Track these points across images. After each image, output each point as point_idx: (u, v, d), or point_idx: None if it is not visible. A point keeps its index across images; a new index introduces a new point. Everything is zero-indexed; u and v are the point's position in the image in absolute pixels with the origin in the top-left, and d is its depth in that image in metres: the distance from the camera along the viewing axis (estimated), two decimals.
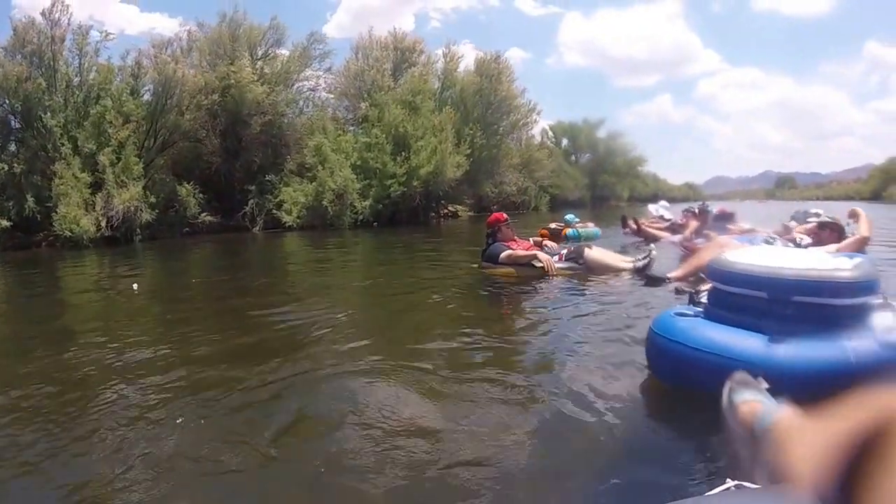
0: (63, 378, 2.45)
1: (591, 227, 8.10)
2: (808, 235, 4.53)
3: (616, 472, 1.50)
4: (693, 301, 2.20)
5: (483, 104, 21.31)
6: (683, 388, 1.95)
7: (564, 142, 43.89)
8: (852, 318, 1.80)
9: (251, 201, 17.42)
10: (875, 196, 43.38)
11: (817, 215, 5.17)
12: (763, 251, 2.34)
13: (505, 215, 5.13)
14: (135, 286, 5.38)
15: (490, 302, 4.03)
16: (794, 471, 0.54)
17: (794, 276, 1.83)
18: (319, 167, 16.94)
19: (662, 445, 1.69)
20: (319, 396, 2.08)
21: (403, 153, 17.88)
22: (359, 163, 17.95)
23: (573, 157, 43.53)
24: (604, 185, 42.23)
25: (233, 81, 16.31)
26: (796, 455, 0.55)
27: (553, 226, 7.92)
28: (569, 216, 8.00)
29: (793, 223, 5.27)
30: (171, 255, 10.74)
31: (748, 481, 0.92)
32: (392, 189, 17.60)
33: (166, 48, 15.50)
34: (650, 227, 8.30)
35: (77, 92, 14.77)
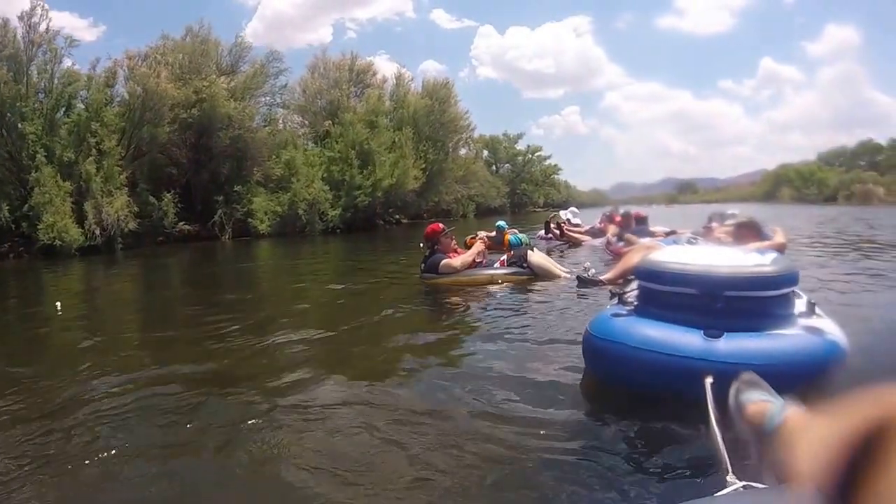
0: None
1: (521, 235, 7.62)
2: (728, 235, 4.68)
3: (575, 473, 1.51)
4: (622, 301, 2.24)
5: (434, 124, 23.54)
6: (623, 386, 1.99)
7: (485, 153, 47.33)
8: (777, 308, 1.92)
9: (219, 211, 18.07)
10: (768, 198, 48.18)
11: (734, 216, 5.42)
12: (689, 251, 2.45)
13: (441, 225, 5.09)
14: (58, 304, 4.89)
15: (431, 312, 4.03)
16: (800, 470, 0.52)
17: (724, 272, 1.92)
18: (294, 179, 18.08)
19: (613, 444, 1.69)
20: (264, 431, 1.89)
21: (369, 167, 19.55)
22: (325, 175, 19.33)
23: (494, 168, 47.05)
24: (522, 192, 46.18)
25: (205, 96, 16.99)
26: (802, 454, 0.53)
27: (493, 234, 7.53)
28: (501, 223, 7.84)
29: (714, 224, 5.48)
30: (158, 264, 11.10)
31: (756, 481, 0.91)
32: (359, 199, 19.21)
33: (142, 60, 15.83)
34: (571, 231, 8.53)
35: (45, 99, 14.71)
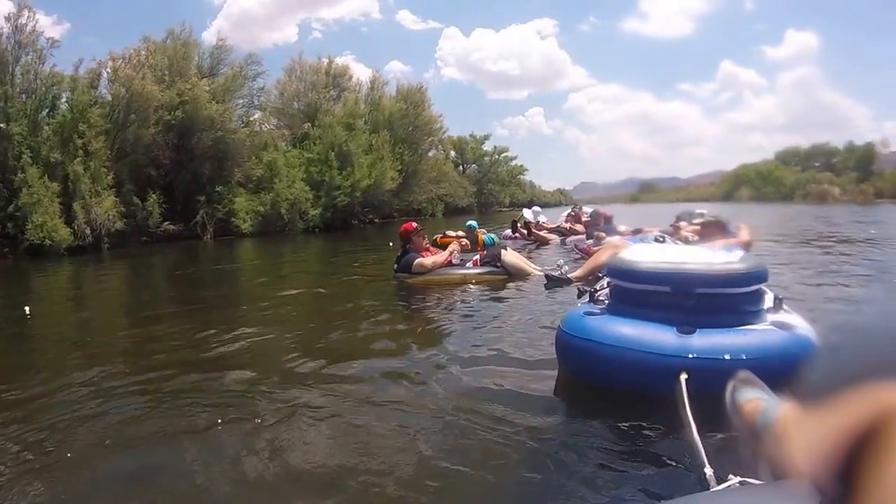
0: None
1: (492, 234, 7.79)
2: (695, 233, 4.70)
3: (555, 471, 1.53)
4: (593, 299, 2.27)
5: (408, 126, 24.46)
6: (598, 384, 2.02)
7: (452, 153, 48.47)
8: (748, 304, 1.99)
9: (201, 211, 18.43)
10: (726, 197, 48.43)
11: (702, 215, 5.50)
12: (660, 249, 2.45)
13: (415, 224, 5.13)
14: (27, 309, 4.77)
15: (404, 312, 4.02)
16: (796, 466, 0.52)
17: (696, 269, 1.97)
18: (276, 180, 18.65)
19: (591, 441, 1.69)
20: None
21: (348, 168, 20.31)
22: (304, 176, 19.96)
23: (461, 168, 48.26)
24: (489, 192, 47.57)
25: (187, 98, 17.36)
26: (798, 450, 0.51)
27: (460, 232, 7.47)
28: (471, 223, 7.83)
29: (682, 223, 5.57)
30: (146, 263, 11.42)
31: (752, 477, 0.93)
32: (339, 199, 19.94)
33: (127, 62, 16.07)
34: (538, 231, 8.51)
35: (29, 100, 14.81)
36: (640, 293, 2.03)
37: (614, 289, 2.19)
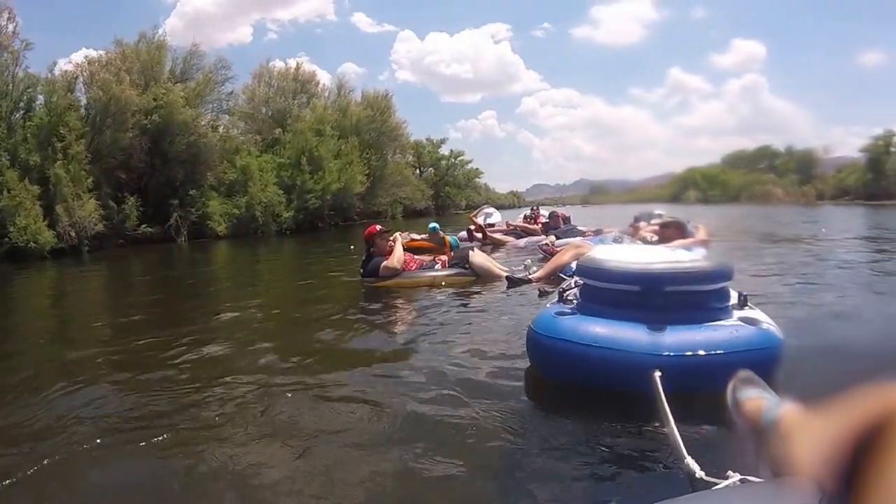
0: None
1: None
2: (654, 234, 4.72)
3: (533, 473, 1.53)
4: (562, 299, 2.32)
5: (375, 132, 25.58)
6: (572, 383, 2.05)
7: (409, 157, 49.64)
8: (715, 301, 2.04)
9: (174, 214, 18.84)
10: (674, 199, 48.30)
11: (660, 216, 5.51)
12: (627, 249, 2.59)
13: (378, 227, 5.10)
14: None
15: (373, 315, 3.97)
16: (797, 464, 0.53)
17: (664, 268, 2.02)
18: (250, 184, 19.31)
19: (565, 441, 1.72)
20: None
21: (319, 172, 21.22)
22: (276, 180, 20.71)
23: (418, 171, 49.53)
24: (446, 195, 49.12)
25: (162, 102, 17.80)
26: (800, 449, 0.54)
27: (425, 236, 7.45)
28: (434, 224, 7.77)
29: (642, 223, 5.59)
30: (126, 265, 11.80)
31: (753, 475, 0.93)
32: (310, 202, 20.82)
33: (105, 66, 16.37)
34: (494, 233, 8.50)
35: (3, 101, 14.90)
36: (609, 292, 2.07)
37: (584, 288, 2.23)
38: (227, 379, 2.53)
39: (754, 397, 1.06)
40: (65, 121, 15.10)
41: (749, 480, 0.96)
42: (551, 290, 3.44)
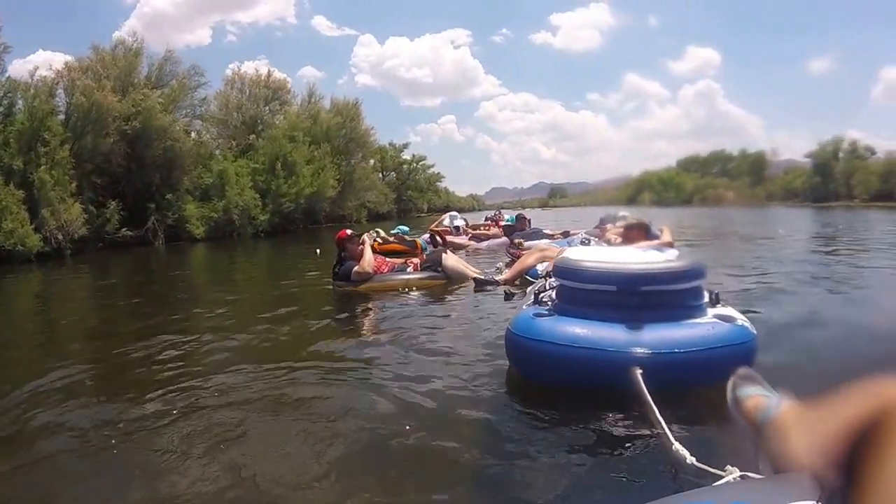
0: None
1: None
2: (619, 235, 4.73)
3: (521, 474, 1.53)
4: (538, 300, 2.37)
5: (345, 139, 26.60)
6: (554, 384, 2.09)
7: (372, 161, 50.55)
8: (690, 299, 2.09)
9: (152, 218, 19.27)
10: (630, 201, 51.24)
11: (625, 218, 5.47)
12: (602, 251, 2.65)
13: (349, 231, 5.09)
14: None
15: (347, 319, 3.95)
16: (797, 460, 0.55)
17: (641, 269, 2.06)
18: (227, 188, 19.98)
19: (553, 440, 1.73)
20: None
21: (293, 177, 22.09)
22: (251, 185, 21.44)
23: (381, 175, 50.51)
24: (408, 199, 50.31)
25: (140, 108, 18.29)
26: (799, 445, 0.54)
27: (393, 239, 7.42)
28: (403, 227, 7.80)
29: (609, 225, 5.57)
30: (109, 267, 12.18)
31: (752, 471, 0.95)
32: (285, 206, 21.66)
33: (86, 72, 16.75)
34: (457, 237, 8.54)
35: None
36: (587, 293, 2.09)
37: (561, 289, 2.25)
38: (196, 386, 2.51)
39: (754, 395, 1.06)
40: (47, 126, 15.45)
41: (749, 476, 0.96)
42: (516, 291, 3.55)
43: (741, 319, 2.12)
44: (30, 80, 16.31)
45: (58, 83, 16.32)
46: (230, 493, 1.56)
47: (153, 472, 1.70)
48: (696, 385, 1.91)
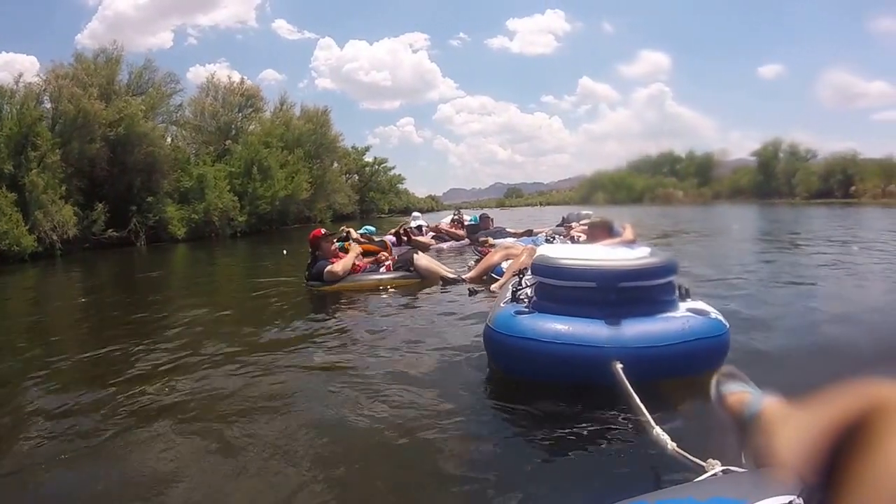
0: None
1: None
2: (583, 233, 4.88)
3: (508, 472, 1.55)
4: (516, 298, 2.37)
5: (315, 144, 27.90)
6: (535, 380, 2.12)
7: (335, 165, 51.54)
8: (664, 294, 2.16)
9: (133, 219, 20.05)
10: (584, 201, 49.09)
11: (588, 216, 5.67)
12: (577, 248, 2.73)
13: (323, 230, 5.06)
14: None
15: (321, 320, 3.90)
16: (779, 456, 0.55)
17: (618, 265, 2.11)
18: (207, 191, 20.99)
19: (538, 435, 1.75)
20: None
21: (268, 181, 23.28)
22: (228, 188, 22.50)
23: (345, 177, 51.53)
24: (370, 200, 51.60)
25: (124, 115, 19.12)
26: (782, 441, 0.56)
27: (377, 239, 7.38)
28: (370, 228, 7.89)
29: (574, 224, 5.66)
30: (98, 267, 12.68)
31: (735, 466, 0.96)
32: (261, 207, 22.84)
33: (71, 79, 17.45)
34: (416, 237, 8.42)
35: None
36: (566, 290, 2.15)
37: (540, 286, 2.28)
38: (177, 384, 2.55)
39: (737, 391, 1.07)
40: (36, 131, 16.16)
41: (731, 470, 0.98)
42: (481, 288, 3.78)
43: (714, 313, 2.20)
44: (14, 87, 16.95)
45: (45, 90, 16.99)
46: (195, 494, 1.60)
47: (137, 466, 1.75)
48: (674, 377, 2.01)
